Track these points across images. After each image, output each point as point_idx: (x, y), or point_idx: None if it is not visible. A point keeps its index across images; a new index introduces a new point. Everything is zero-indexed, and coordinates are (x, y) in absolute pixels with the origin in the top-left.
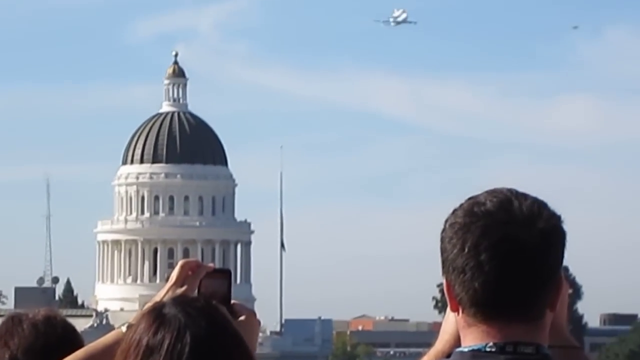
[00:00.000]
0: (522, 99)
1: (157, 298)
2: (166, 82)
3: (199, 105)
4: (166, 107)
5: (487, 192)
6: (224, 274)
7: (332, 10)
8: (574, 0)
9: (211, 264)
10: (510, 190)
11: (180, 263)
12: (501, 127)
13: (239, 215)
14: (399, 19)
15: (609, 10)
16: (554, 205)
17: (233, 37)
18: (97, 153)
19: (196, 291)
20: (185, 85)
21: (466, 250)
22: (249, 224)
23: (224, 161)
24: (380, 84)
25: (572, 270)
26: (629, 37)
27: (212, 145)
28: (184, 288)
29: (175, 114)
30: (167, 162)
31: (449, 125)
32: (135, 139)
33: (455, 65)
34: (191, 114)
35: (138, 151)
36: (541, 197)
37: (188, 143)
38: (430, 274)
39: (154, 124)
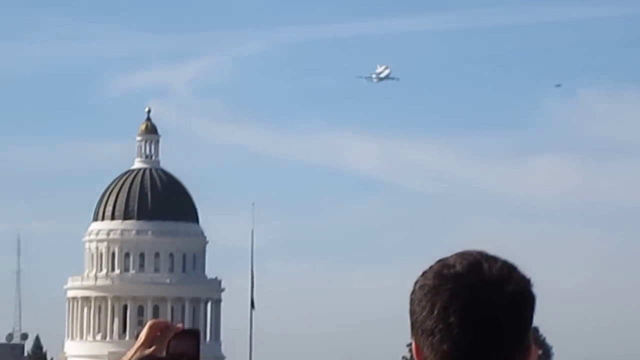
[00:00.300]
0: (494, 159)
1: (125, 359)
2: (138, 138)
3: (171, 162)
4: (138, 164)
5: (457, 254)
6: (193, 334)
7: (304, 69)
8: (547, 62)
9: (180, 325)
10: (480, 253)
11: (148, 324)
12: (473, 187)
13: (210, 273)
14: (382, 75)
15: (583, 71)
16: (525, 266)
17: (206, 95)
18: (68, 209)
19: (164, 352)
20: (157, 142)
21: (435, 312)
22: (220, 282)
23: (195, 218)
24: (351, 143)
25: (543, 331)
26: (602, 98)
27: (183, 202)
28: (152, 349)
29: (147, 171)
30: (138, 219)
31: (421, 184)
32: (107, 195)
33: (428, 124)
34: (163, 171)
35: (109, 207)
36: (512, 258)
37: (159, 200)
38: (400, 334)
39: (125, 180)
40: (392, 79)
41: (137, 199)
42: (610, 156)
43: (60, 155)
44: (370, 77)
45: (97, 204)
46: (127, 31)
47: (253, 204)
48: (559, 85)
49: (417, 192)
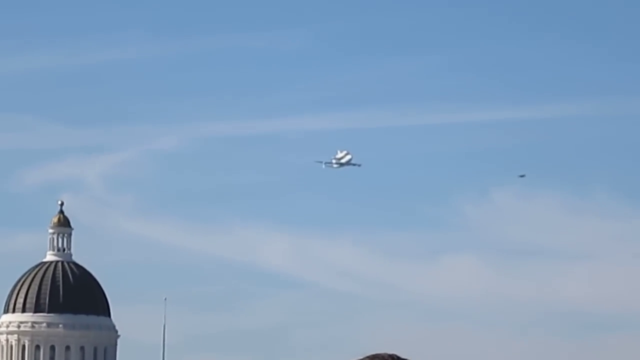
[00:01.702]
0: (408, 257)
1: None
2: (51, 231)
3: (84, 255)
4: (50, 257)
5: (368, 356)
6: None
7: (217, 164)
8: (464, 163)
9: None
10: (392, 356)
11: None
12: (386, 286)
13: None
14: (343, 161)
15: (496, 173)
16: None
17: (119, 188)
18: None
19: None
20: (70, 234)
21: None
22: None
23: (107, 312)
24: (265, 238)
25: None
26: (514, 200)
27: (95, 296)
28: None
29: (60, 264)
30: (49, 312)
31: (334, 282)
32: (18, 287)
33: (342, 221)
34: (75, 264)
35: (20, 300)
36: (425, 357)
37: (71, 293)
38: None
39: (37, 272)
40: (354, 164)
41: (48, 292)
42: (522, 257)
43: None
44: (330, 163)
45: (8, 296)
46: (41, 124)
47: (165, 299)
48: (522, 176)
49: (329, 290)
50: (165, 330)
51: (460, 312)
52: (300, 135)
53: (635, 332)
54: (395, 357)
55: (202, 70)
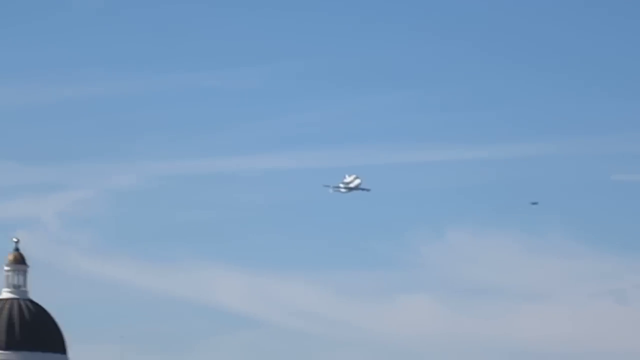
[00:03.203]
0: (363, 296)
1: None
2: (6, 268)
3: (40, 292)
4: (6, 294)
5: None
6: None
7: (173, 202)
8: (416, 201)
9: None
10: None
11: None
12: (342, 325)
13: None
14: (351, 185)
15: (451, 213)
16: None
17: (76, 226)
18: None
19: None
20: (25, 272)
21: None
22: None
23: (63, 349)
24: (221, 277)
25: None
26: (468, 240)
27: (51, 333)
28: None
29: (15, 301)
30: (6, 349)
31: (288, 320)
32: None
33: (297, 260)
34: (31, 301)
35: None
36: None
37: (27, 330)
38: None
39: None
40: (364, 189)
41: (5, 329)
42: (477, 296)
43: None
44: (338, 187)
45: None
46: None
47: (121, 337)
48: (535, 203)
49: (284, 329)
50: None
51: (415, 351)
52: (257, 174)
53: None
54: None
55: (159, 108)
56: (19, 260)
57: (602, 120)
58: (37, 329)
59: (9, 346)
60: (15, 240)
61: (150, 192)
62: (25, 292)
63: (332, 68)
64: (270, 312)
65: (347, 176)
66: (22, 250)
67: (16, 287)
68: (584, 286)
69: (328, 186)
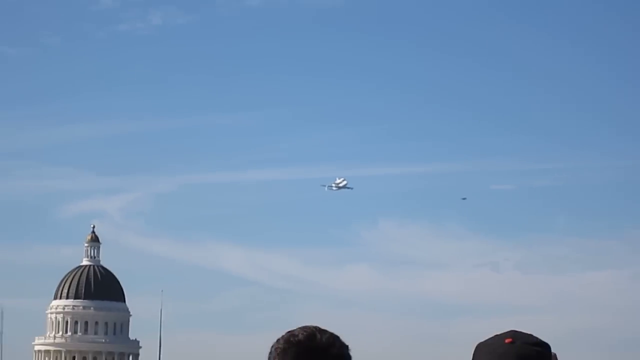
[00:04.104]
0: (323, 265)
1: None
2: (86, 245)
3: (108, 261)
4: (85, 262)
5: (300, 327)
6: None
7: (201, 201)
8: (360, 201)
9: None
10: (316, 327)
11: None
12: (309, 284)
13: (132, 336)
14: (340, 185)
15: (382, 207)
16: (345, 337)
17: (131, 217)
18: (38, 291)
19: None
20: (99, 248)
21: None
22: (138, 342)
23: (123, 299)
24: (228, 252)
25: None
26: (395, 227)
27: (115, 288)
28: None
29: (91, 267)
30: (84, 299)
31: (273, 281)
32: (63, 282)
33: (279, 241)
34: (102, 267)
35: (65, 291)
36: (337, 331)
37: (99, 286)
38: None
39: (76, 272)
40: (348, 188)
41: (84, 285)
42: (401, 265)
43: (30, 256)
44: (331, 187)
45: (57, 288)
46: (79, 173)
47: (162, 291)
48: (464, 199)
49: (269, 286)
50: (162, 312)
51: (358, 302)
52: (264, 181)
53: (473, 318)
54: (318, 328)
55: (184, 139)
56: (94, 239)
57: (485, 147)
58: (105, 285)
59: (86, 296)
60: (92, 225)
61: (180, 195)
62: (99, 260)
63: (302, 112)
64: (259, 275)
65: (337, 179)
66: (96, 232)
67: (92, 258)
68: (470, 259)
69: (324, 185)
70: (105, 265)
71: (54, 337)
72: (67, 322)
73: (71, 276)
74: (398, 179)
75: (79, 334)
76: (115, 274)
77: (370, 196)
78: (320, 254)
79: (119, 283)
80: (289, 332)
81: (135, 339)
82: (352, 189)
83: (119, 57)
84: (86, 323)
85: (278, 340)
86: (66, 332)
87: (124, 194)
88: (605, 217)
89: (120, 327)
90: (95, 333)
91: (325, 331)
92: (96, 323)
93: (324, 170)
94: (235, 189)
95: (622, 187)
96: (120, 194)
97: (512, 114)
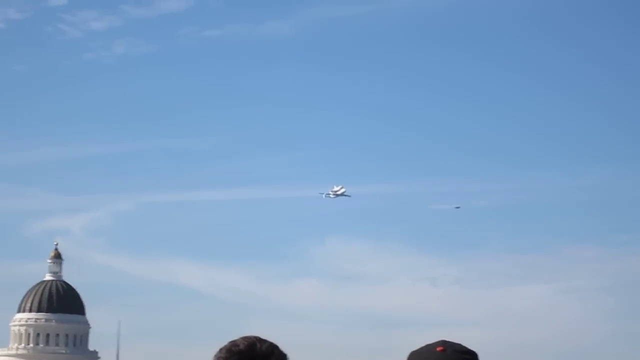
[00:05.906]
0: (273, 280)
1: None
2: (49, 261)
3: (70, 276)
4: (48, 277)
5: (242, 337)
6: None
7: (159, 220)
8: (306, 222)
9: None
10: (256, 337)
11: None
12: (260, 298)
13: (91, 347)
14: (338, 192)
15: (329, 227)
16: (292, 349)
17: (92, 235)
18: (1, 304)
19: None
20: (61, 263)
21: None
22: (97, 353)
23: (83, 312)
24: (184, 267)
25: None
26: (340, 245)
27: (76, 302)
28: None
29: (54, 282)
30: (47, 312)
31: (226, 295)
32: (27, 296)
33: (231, 256)
34: (64, 282)
35: (28, 304)
36: (279, 343)
37: (61, 300)
38: None
39: (39, 287)
40: (346, 195)
41: (46, 299)
42: (346, 280)
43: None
44: (329, 194)
45: (21, 302)
46: (44, 192)
47: (120, 305)
48: (458, 207)
49: (222, 299)
50: (120, 325)
51: (306, 316)
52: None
53: (413, 331)
54: (258, 338)
55: (144, 162)
56: (57, 256)
57: (425, 168)
58: (67, 299)
59: (49, 310)
60: (55, 243)
61: (139, 213)
62: (61, 275)
63: (249, 136)
64: (214, 289)
65: (334, 186)
66: (59, 249)
67: (55, 273)
68: (410, 274)
69: (322, 193)
70: (67, 280)
71: (17, 349)
72: (29, 334)
73: (34, 291)
74: (343, 199)
75: (41, 345)
76: (76, 288)
77: (317, 215)
78: (270, 270)
79: (79, 297)
80: (231, 342)
81: (95, 350)
82: (350, 196)
83: (83, 84)
84: (47, 335)
85: (220, 349)
86: (28, 343)
87: (86, 212)
88: (538, 235)
89: (80, 339)
90: (57, 344)
91: (265, 341)
92: (57, 335)
93: (273, 190)
94: (190, 208)
95: (555, 206)
96: (83, 212)
97: (453, 136)
